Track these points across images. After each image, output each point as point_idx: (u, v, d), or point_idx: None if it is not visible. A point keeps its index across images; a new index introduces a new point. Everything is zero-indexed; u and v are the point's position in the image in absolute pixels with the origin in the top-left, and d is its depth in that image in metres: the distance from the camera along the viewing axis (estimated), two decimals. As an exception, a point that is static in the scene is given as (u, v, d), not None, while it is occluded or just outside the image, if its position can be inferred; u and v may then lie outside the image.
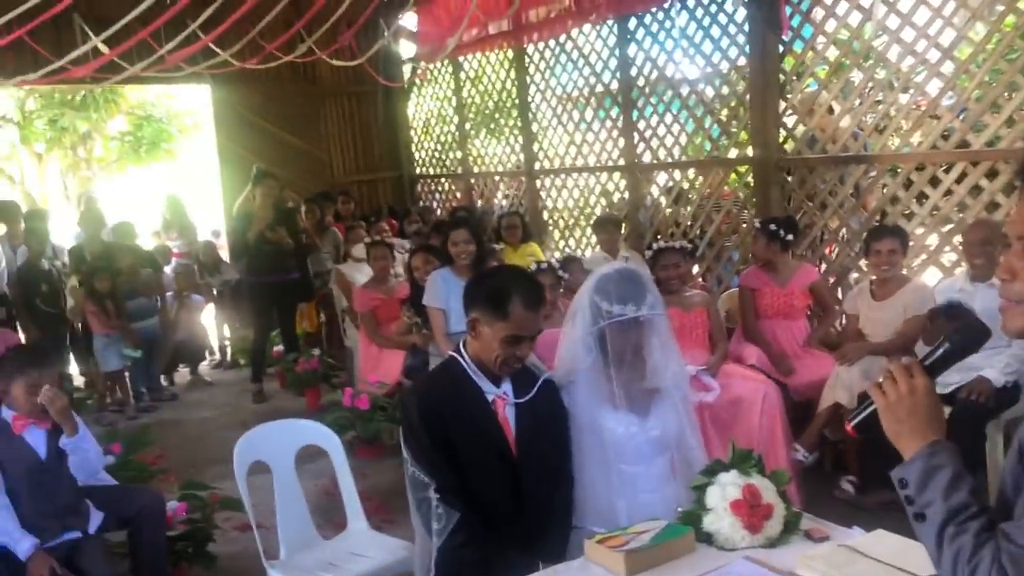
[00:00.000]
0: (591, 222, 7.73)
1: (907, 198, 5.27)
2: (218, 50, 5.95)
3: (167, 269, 7.97)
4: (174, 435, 6.30)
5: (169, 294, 7.69)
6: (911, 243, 5.04)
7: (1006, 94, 4.75)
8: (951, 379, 4.18)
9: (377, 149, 10.37)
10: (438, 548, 2.33)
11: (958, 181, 4.93)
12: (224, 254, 8.91)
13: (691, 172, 6.98)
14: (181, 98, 18.57)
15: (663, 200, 7.16)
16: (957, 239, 5.20)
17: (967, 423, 3.97)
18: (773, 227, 4.93)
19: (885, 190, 5.46)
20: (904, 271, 4.84)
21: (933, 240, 5.28)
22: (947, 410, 4.01)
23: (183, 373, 8.13)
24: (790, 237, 5.00)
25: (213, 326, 8.60)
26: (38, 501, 3.16)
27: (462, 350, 2.50)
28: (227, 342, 8.63)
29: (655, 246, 4.80)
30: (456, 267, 4.84)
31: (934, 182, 5.07)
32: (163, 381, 7.65)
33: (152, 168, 19.57)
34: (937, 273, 5.20)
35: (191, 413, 7.00)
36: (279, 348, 7.32)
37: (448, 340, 4.62)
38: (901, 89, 5.31)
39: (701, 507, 2.24)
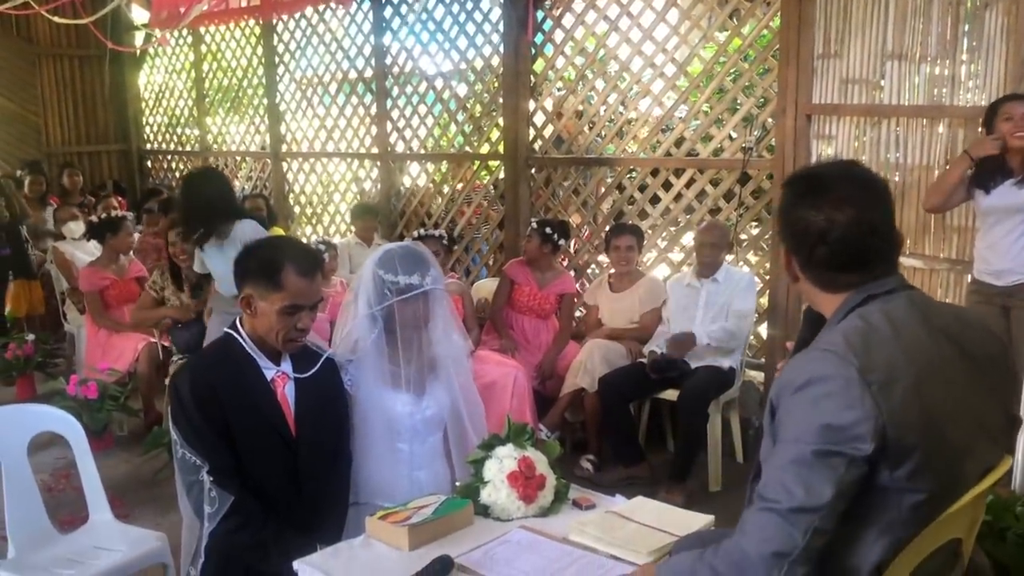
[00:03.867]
0: (342, 209, 7.64)
1: (642, 199, 5.72)
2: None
3: None
4: None
5: None
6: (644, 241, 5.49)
7: (729, 111, 5.29)
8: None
9: (102, 119, 9.54)
10: (210, 532, 2.22)
11: (687, 186, 5.43)
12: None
13: (444, 164, 7.09)
14: None
15: (414, 191, 7.21)
16: (684, 239, 5.74)
17: (692, 405, 4.39)
18: (548, 230, 5.14)
19: (622, 192, 5.87)
20: (639, 267, 5.25)
21: (662, 239, 5.77)
22: (675, 394, 4.44)
23: None
24: (562, 241, 5.24)
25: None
26: None
27: (238, 327, 2.38)
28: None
29: (415, 234, 4.86)
30: None
31: (667, 186, 5.54)
32: None
33: None
34: (666, 269, 5.70)
35: None
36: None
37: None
38: (640, 98, 5.74)
39: (479, 480, 2.31)
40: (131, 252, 5.96)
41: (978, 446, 1.56)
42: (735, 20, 5.27)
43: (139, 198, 8.11)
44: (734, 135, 5.27)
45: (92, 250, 6.25)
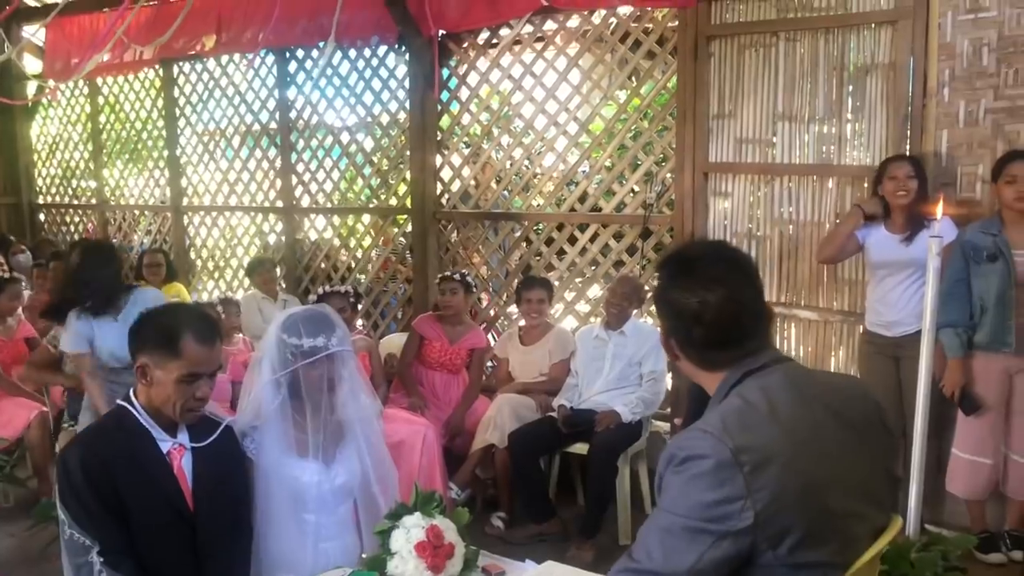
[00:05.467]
0: (245, 263, 7.48)
1: (549, 253, 5.79)
2: None
3: None
4: None
5: None
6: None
7: (630, 168, 5.43)
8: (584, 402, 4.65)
9: (-9, 171, 9.16)
10: (101, 618, 2.11)
11: (591, 240, 5.53)
12: None
13: (350, 218, 7.05)
14: None
15: (320, 244, 7.13)
16: (590, 292, 5.83)
17: (602, 459, 4.42)
18: (468, 279, 5.22)
19: (529, 245, 5.94)
20: (548, 319, 5.30)
21: (568, 292, 5.84)
22: (585, 447, 4.47)
23: None
24: (474, 289, 5.35)
25: None
26: None
27: (132, 399, 2.29)
28: None
29: (320, 291, 4.80)
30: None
31: (572, 240, 5.63)
32: None
33: None
34: (573, 321, 5.77)
35: None
36: None
37: (98, 381, 4.14)
38: (544, 155, 5.85)
39: (386, 551, 2.26)
40: (19, 312, 5.69)
41: (866, 511, 1.62)
42: (634, 80, 5.44)
43: (31, 253, 7.79)
44: (636, 189, 5.41)
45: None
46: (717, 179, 4.95)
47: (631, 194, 5.42)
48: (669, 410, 5.13)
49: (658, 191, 5.26)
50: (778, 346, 4.21)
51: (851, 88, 4.49)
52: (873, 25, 4.34)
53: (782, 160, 4.71)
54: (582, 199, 5.61)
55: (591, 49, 5.46)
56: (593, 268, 5.66)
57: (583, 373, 4.80)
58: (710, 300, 1.62)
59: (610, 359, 4.75)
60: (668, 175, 5.23)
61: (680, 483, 1.51)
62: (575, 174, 5.75)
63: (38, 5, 8.07)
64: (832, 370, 4.55)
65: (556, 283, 5.67)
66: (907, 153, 4.21)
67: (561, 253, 5.77)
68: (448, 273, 5.30)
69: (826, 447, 1.57)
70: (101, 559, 2.14)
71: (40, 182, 9.34)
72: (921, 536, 2.78)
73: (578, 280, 5.87)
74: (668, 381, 4.93)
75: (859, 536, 1.60)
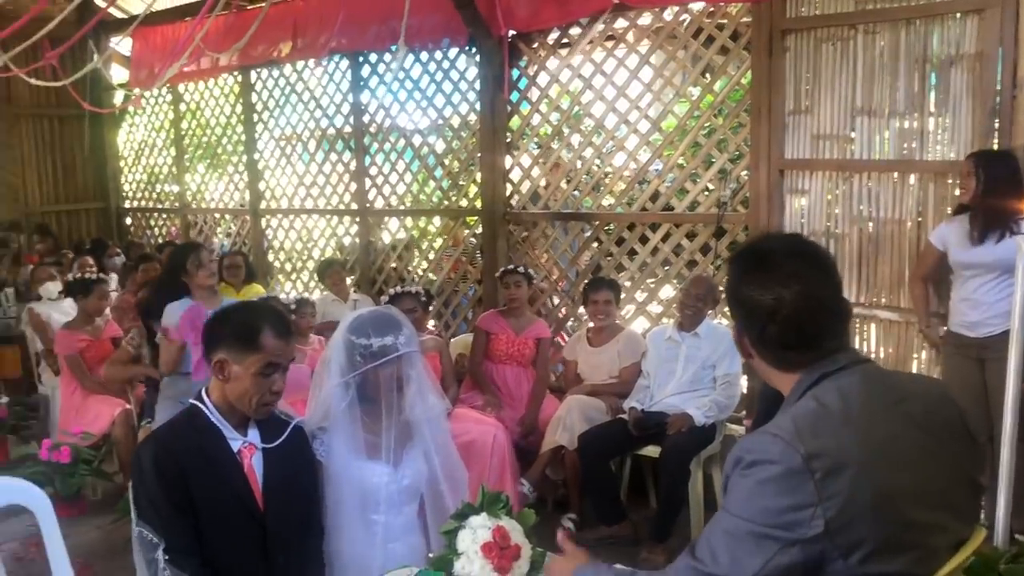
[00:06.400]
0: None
1: (619, 253, 5.74)
2: None
3: None
4: None
5: None
6: (622, 295, 5.49)
7: (703, 165, 5.34)
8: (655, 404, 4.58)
9: (82, 178, 9.54)
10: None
11: (663, 240, 5.45)
12: None
13: (422, 220, 7.11)
14: None
15: (394, 246, 7.22)
16: (662, 292, 5.75)
17: (674, 462, 4.35)
18: (527, 271, 5.27)
19: (600, 245, 5.90)
20: (617, 320, 5.25)
21: (640, 292, 5.77)
22: (657, 450, 4.41)
23: None
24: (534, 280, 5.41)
25: None
26: None
27: (204, 397, 2.34)
28: None
29: (391, 291, 4.84)
30: (197, 296, 4.55)
31: (643, 240, 5.57)
32: None
33: None
34: (645, 322, 5.70)
35: None
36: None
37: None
38: (615, 154, 5.80)
39: (452, 551, 2.26)
40: (107, 312, 5.89)
41: (946, 522, 1.54)
42: (707, 77, 5.35)
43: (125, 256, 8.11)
44: (710, 187, 5.31)
45: (68, 310, 6.20)
46: (793, 176, 4.83)
47: (705, 192, 5.33)
48: (744, 413, 5.03)
49: (733, 189, 5.16)
50: (857, 348, 4.08)
51: (934, 81, 4.32)
52: (958, 15, 4.17)
53: (861, 156, 4.57)
54: (654, 198, 5.54)
55: (663, 46, 5.39)
56: (665, 268, 5.58)
57: (654, 375, 4.74)
58: (785, 297, 1.55)
59: (683, 361, 4.67)
60: (743, 172, 5.12)
61: (747, 487, 1.47)
62: (646, 173, 5.69)
63: (124, 17, 8.35)
64: (914, 372, 4.39)
65: (627, 284, 5.62)
66: (995, 147, 4.03)
67: (632, 253, 5.70)
68: (510, 267, 5.31)
69: (904, 454, 1.50)
70: (166, 557, 2.17)
71: (126, 187, 9.70)
72: (1011, 547, 2.66)
73: (650, 281, 5.79)
74: (744, 384, 4.83)
75: (938, 548, 1.52)
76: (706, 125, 5.28)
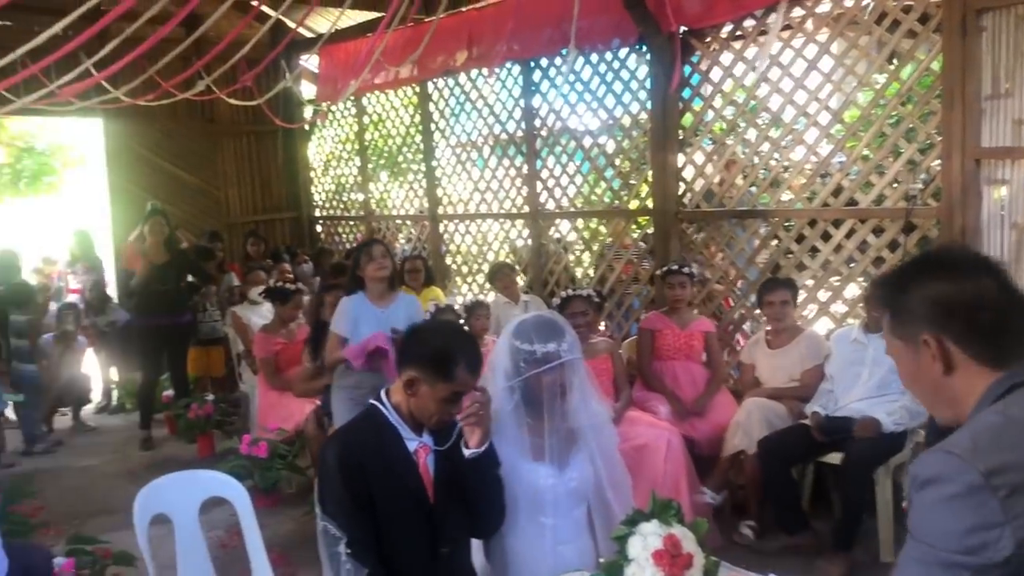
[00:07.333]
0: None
1: (800, 251, 5.51)
2: (110, 88, 5.76)
3: (51, 307, 7.61)
4: (54, 484, 5.94)
5: (50, 335, 7.32)
6: (804, 295, 5.28)
7: (890, 157, 5.04)
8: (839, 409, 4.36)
9: (276, 189, 10.21)
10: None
11: (847, 236, 5.19)
12: (111, 292, 8.56)
13: (593, 221, 7.11)
14: (66, 131, 17.87)
15: (565, 248, 7.27)
16: (847, 292, 5.48)
17: (859, 469, 4.14)
18: (688, 269, 5.22)
19: (778, 243, 5.69)
20: (799, 321, 5.05)
21: (823, 292, 5.52)
22: (838, 457, 4.21)
23: (64, 419, 7.70)
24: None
25: (97, 368, 8.18)
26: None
27: (384, 399, 2.45)
28: (113, 386, 8.23)
29: (563, 294, 4.87)
30: (369, 291, 4.68)
31: (825, 237, 5.32)
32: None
33: (32, 202, 18.70)
34: (827, 323, 5.44)
35: (74, 461, 6.63)
36: (169, 392, 7.04)
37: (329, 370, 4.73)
38: (793, 148, 5.57)
39: (623, 558, 2.25)
40: (300, 317, 6.26)
41: None
42: (894, 63, 5.05)
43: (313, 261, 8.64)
44: (898, 180, 5.00)
45: (266, 314, 6.65)
46: (991, 166, 4.47)
47: (892, 186, 5.02)
48: (938, 419, 4.70)
49: (923, 180, 4.84)
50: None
51: None
52: None
53: (1071, 141, 4.17)
54: (836, 193, 5.29)
55: (843, 33, 5.13)
56: (850, 266, 5.31)
57: (839, 379, 4.52)
58: (986, 285, 1.44)
59: (870, 364, 4.43)
60: (934, 163, 4.79)
61: (925, 508, 1.38)
62: (828, 166, 5.43)
63: (312, 36, 8.86)
64: None
65: (809, 283, 5.40)
66: None
67: (814, 251, 5.46)
68: (673, 266, 5.22)
69: None
70: (348, 551, 2.28)
71: (316, 197, 10.29)
72: None
73: (833, 279, 5.53)
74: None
75: None
76: (893, 114, 4.99)
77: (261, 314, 6.86)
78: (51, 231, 11.42)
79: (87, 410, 7.92)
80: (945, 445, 1.39)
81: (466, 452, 2.36)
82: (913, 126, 4.89)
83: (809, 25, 5.25)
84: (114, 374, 8.22)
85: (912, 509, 1.42)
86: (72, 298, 8.09)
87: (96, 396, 8.13)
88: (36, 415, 6.98)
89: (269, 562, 3.15)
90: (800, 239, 5.53)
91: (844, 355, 4.55)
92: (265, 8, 6.54)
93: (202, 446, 6.48)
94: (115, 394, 8.18)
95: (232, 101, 7.52)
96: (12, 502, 4.23)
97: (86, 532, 4.23)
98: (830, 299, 5.47)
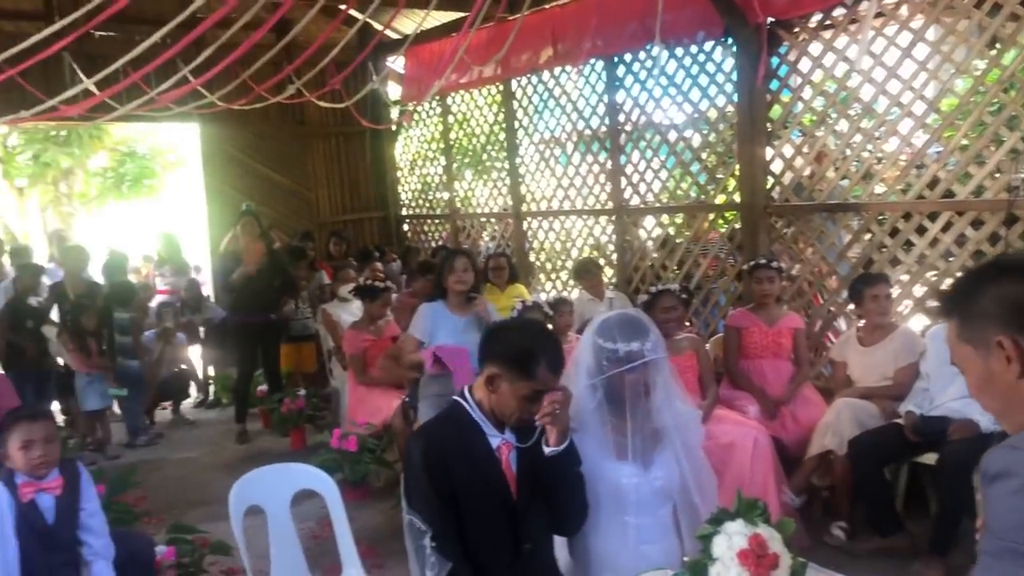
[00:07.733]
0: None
1: (894, 246, 5.34)
2: (206, 93, 5.97)
3: (151, 305, 7.96)
4: (155, 475, 6.20)
5: (151, 332, 7.65)
6: (898, 290, 5.11)
7: (991, 146, 4.84)
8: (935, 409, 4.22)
9: (364, 189, 10.41)
10: (428, 598, 2.30)
11: (944, 230, 5.01)
12: (207, 291, 8.87)
13: (678, 217, 7.04)
14: (165, 135, 18.58)
15: (650, 244, 7.21)
16: (944, 286, 5.27)
17: (955, 472, 3.98)
18: (775, 264, 5.09)
19: (871, 238, 5.52)
20: (892, 318, 4.89)
21: (918, 287, 5.34)
22: (934, 457, 4.06)
23: (164, 412, 8.04)
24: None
25: (198, 364, 8.51)
26: (41, 568, 2.98)
27: (467, 395, 2.48)
28: (210, 381, 8.54)
29: (653, 289, 4.83)
30: (449, 300, 4.76)
31: (920, 231, 5.15)
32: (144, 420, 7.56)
33: (134, 204, 19.52)
34: (922, 320, 5.26)
35: (173, 453, 6.91)
36: (263, 388, 7.26)
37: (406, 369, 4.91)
38: (887, 139, 5.40)
39: (708, 557, 2.23)
40: (388, 314, 6.37)
41: None
42: (996, 48, 4.84)
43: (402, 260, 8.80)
44: (999, 170, 4.79)
45: (355, 311, 6.79)
46: (1102, 154, 4.26)
47: (992, 176, 4.82)
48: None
49: (1027, 171, 4.64)
50: None
51: None
52: None
53: None
54: (932, 184, 5.11)
55: (939, 19, 4.95)
56: (948, 261, 5.12)
57: (935, 377, 4.36)
58: None
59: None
60: (1038, 152, 4.59)
61: (996, 500, 1.38)
62: (923, 157, 5.25)
63: (398, 37, 9.00)
64: None
65: (903, 278, 5.23)
66: None
67: (908, 245, 5.28)
68: (760, 260, 5.12)
69: None
70: (432, 544, 2.31)
71: (403, 196, 10.45)
72: None
73: (930, 274, 5.34)
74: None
75: None
76: (993, 102, 4.79)
77: (351, 311, 7.01)
78: (151, 232, 11.90)
79: (186, 404, 8.25)
80: (1012, 441, 1.40)
81: (546, 450, 2.38)
82: (1016, 114, 4.68)
83: (904, 11, 5.08)
84: (211, 370, 8.53)
85: (985, 501, 1.42)
86: (161, 298, 8.41)
87: (194, 391, 8.46)
88: (139, 409, 7.29)
89: (358, 554, 3.23)
90: (894, 233, 5.36)
91: (940, 353, 4.38)
92: (353, 11, 6.67)
93: (294, 440, 6.67)
94: (212, 389, 8.49)
95: (321, 104, 7.69)
96: (117, 492, 4.42)
97: (185, 521, 4.40)
98: (925, 295, 5.29)
